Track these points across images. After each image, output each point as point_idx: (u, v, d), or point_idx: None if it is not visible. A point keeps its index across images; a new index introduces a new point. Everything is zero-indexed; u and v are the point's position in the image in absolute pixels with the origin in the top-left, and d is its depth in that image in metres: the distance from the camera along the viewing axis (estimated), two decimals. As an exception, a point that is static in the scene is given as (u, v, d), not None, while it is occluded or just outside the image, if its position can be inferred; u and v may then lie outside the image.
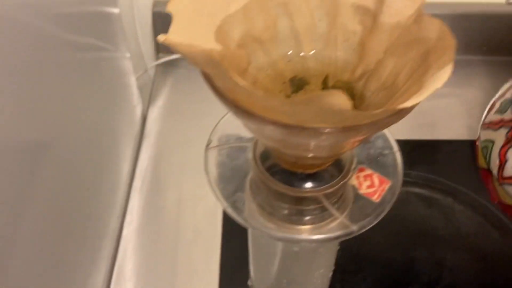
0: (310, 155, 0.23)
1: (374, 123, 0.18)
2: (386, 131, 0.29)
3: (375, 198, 0.25)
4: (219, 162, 0.29)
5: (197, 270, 0.49)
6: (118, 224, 0.53)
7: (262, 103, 0.17)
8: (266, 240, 0.31)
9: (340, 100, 0.15)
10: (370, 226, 0.24)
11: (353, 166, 0.27)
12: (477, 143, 0.32)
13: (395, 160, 0.28)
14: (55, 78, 0.36)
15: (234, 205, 0.26)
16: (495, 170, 0.29)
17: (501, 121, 0.29)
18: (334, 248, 0.33)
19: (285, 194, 0.26)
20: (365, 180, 0.26)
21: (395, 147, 0.29)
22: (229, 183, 0.28)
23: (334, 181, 0.26)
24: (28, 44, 0.32)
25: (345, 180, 0.26)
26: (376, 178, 0.26)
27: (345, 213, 0.26)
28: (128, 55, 0.58)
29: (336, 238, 0.24)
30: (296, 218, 0.28)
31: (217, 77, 0.19)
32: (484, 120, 0.29)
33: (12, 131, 0.29)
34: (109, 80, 0.52)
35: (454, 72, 0.18)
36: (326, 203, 0.25)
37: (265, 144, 0.25)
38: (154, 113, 0.66)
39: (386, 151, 0.28)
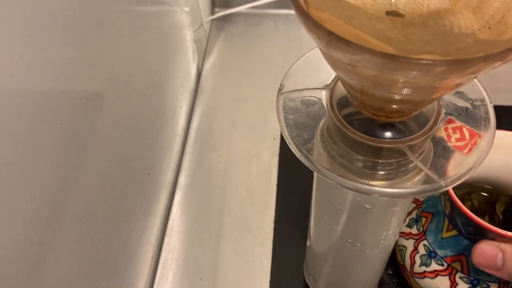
0: (399, 97, 0.20)
1: (491, 57, 0.15)
2: (477, 82, 0.26)
3: (466, 151, 0.22)
4: (292, 108, 0.27)
5: (250, 228, 0.49)
6: (173, 177, 0.52)
7: (367, 26, 0.15)
8: (333, 195, 0.29)
9: (465, 20, 0.13)
10: (460, 182, 0.22)
11: (442, 116, 0.24)
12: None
13: (487, 113, 0.25)
14: (115, 29, 0.35)
15: (308, 154, 0.24)
16: (408, 267, 0.40)
17: (410, 233, 0.41)
18: (407, 208, 0.31)
19: (363, 145, 0.24)
20: (454, 132, 0.23)
21: (488, 99, 0.26)
22: (303, 131, 0.26)
23: (420, 132, 0.23)
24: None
25: (433, 130, 0.23)
26: (466, 131, 0.23)
27: (428, 166, 0.24)
28: (186, 9, 0.56)
29: (422, 192, 0.22)
30: (371, 172, 0.25)
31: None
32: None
33: (73, 82, 0.29)
34: (167, 34, 0.50)
35: None
36: (410, 155, 0.23)
37: (347, 87, 0.23)
38: (208, 69, 0.65)
39: (478, 103, 0.25)
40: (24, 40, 0.24)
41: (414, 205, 0.42)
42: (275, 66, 0.62)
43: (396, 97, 0.20)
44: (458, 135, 0.23)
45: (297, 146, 0.25)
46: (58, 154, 0.27)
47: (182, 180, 0.53)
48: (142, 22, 0.41)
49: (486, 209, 0.43)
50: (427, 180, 0.24)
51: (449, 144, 0.23)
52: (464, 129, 0.23)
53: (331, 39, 0.17)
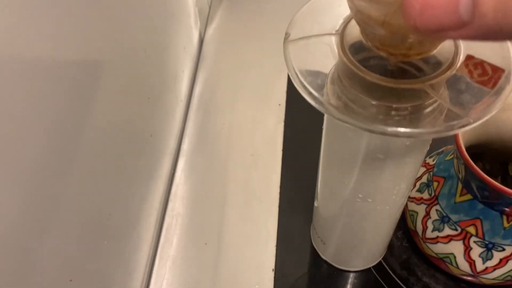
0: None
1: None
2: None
3: (490, 86, 0.21)
4: (299, 56, 0.25)
5: (256, 193, 0.48)
6: (176, 143, 0.51)
7: None
8: (345, 146, 0.28)
9: None
10: (487, 117, 0.20)
11: (460, 52, 0.23)
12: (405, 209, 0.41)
13: (507, 48, 0.23)
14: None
15: (320, 102, 0.23)
16: (420, 232, 0.39)
17: (421, 198, 0.39)
18: (421, 160, 0.29)
19: (378, 89, 0.23)
20: (475, 68, 0.22)
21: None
22: (314, 78, 0.24)
23: (441, 69, 0.22)
24: None
25: (455, 66, 0.22)
26: (487, 66, 0.22)
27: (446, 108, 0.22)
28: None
29: (448, 130, 0.20)
30: (386, 118, 0.24)
31: None
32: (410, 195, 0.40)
33: (72, 50, 0.28)
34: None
35: None
36: (433, 93, 0.21)
37: (365, 24, 0.21)
38: (211, 35, 0.63)
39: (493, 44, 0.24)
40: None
41: (424, 169, 0.41)
42: (280, 30, 0.60)
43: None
44: (480, 71, 0.22)
45: (309, 94, 0.23)
46: (59, 110, 0.26)
47: (185, 146, 0.52)
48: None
49: (498, 171, 0.42)
50: (458, 116, 0.22)
51: (472, 80, 0.22)
52: (485, 64, 0.22)
53: None
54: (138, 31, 0.39)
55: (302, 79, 0.23)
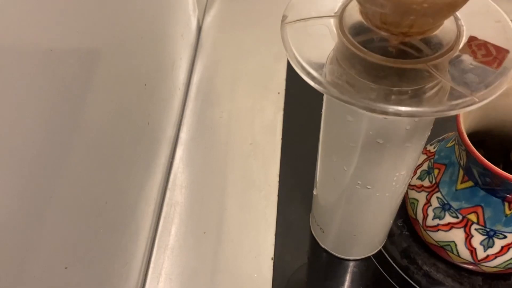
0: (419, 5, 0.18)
1: None
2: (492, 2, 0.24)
3: (495, 66, 0.20)
4: (297, 38, 0.24)
5: (255, 182, 0.47)
6: (174, 132, 0.51)
7: None
8: (344, 131, 0.28)
9: None
10: (492, 97, 0.20)
11: (463, 34, 0.22)
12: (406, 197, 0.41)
13: (509, 30, 0.23)
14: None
15: (319, 81, 0.22)
16: (420, 220, 0.39)
17: (422, 186, 0.39)
18: (422, 145, 0.29)
19: (379, 70, 0.22)
20: (478, 49, 0.21)
21: (506, 17, 0.23)
22: (313, 60, 0.24)
23: (443, 50, 0.21)
24: None
25: (458, 46, 0.21)
26: (491, 47, 0.21)
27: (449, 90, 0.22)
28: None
29: (453, 108, 0.20)
30: (386, 101, 0.23)
31: None
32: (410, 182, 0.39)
33: (67, 37, 0.27)
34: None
35: None
36: (436, 74, 0.21)
37: (367, 2, 0.21)
38: (209, 23, 0.62)
39: (497, 22, 0.23)
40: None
41: (425, 156, 0.40)
42: (279, 18, 0.60)
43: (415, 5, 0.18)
44: (483, 51, 0.21)
45: (308, 74, 0.22)
46: (54, 98, 0.26)
47: (183, 135, 0.51)
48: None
49: (499, 157, 0.41)
50: (462, 95, 0.22)
51: (476, 61, 0.21)
52: (488, 45, 0.21)
53: None
54: (134, 17, 0.38)
55: (300, 60, 0.23)
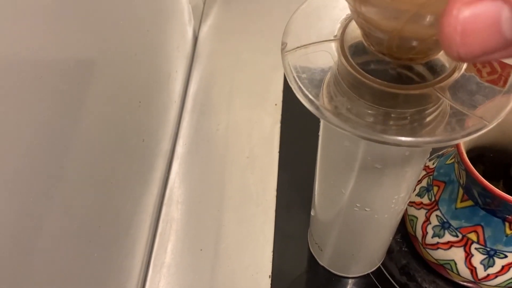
0: (417, 27, 0.18)
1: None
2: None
3: (501, 84, 0.20)
4: (300, 66, 0.24)
5: (252, 197, 0.47)
6: (170, 145, 0.50)
7: None
8: (342, 155, 0.27)
9: None
10: (502, 117, 0.19)
11: None
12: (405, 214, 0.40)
13: None
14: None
15: (325, 115, 0.22)
16: (419, 238, 0.38)
17: (421, 203, 0.38)
18: (420, 169, 0.28)
19: (382, 94, 0.22)
20: (483, 66, 0.21)
21: None
22: (319, 88, 0.23)
23: (449, 70, 0.21)
24: None
25: (462, 67, 0.20)
26: (496, 63, 0.21)
27: (447, 117, 0.21)
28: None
29: (466, 135, 0.19)
30: (384, 127, 0.23)
31: None
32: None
33: (62, 44, 0.27)
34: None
35: None
36: (443, 96, 0.20)
37: (373, 31, 0.20)
38: (206, 33, 0.62)
39: None
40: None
41: (424, 172, 0.40)
42: (276, 28, 0.59)
43: (434, 30, 0.18)
44: (488, 69, 0.21)
45: (317, 109, 0.22)
46: (46, 117, 0.25)
47: (179, 148, 0.51)
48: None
49: (499, 173, 0.41)
50: (452, 128, 0.21)
51: (482, 80, 0.20)
52: (493, 61, 0.21)
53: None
54: (128, 32, 0.38)
55: (307, 92, 0.22)
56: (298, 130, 0.52)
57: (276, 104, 0.54)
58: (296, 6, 0.25)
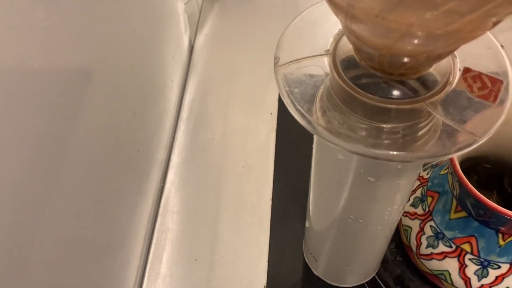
0: (428, 48, 0.18)
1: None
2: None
3: (492, 99, 0.20)
4: (295, 81, 0.24)
5: (247, 206, 0.47)
6: (165, 155, 0.50)
7: None
8: (335, 168, 0.27)
9: None
10: (492, 132, 0.19)
11: (457, 66, 0.22)
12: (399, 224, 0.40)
13: (501, 57, 0.23)
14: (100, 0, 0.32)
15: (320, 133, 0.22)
16: (414, 248, 0.38)
17: (415, 213, 0.38)
18: (414, 181, 0.28)
19: (373, 109, 0.22)
20: (474, 81, 0.21)
21: (497, 43, 0.23)
22: (311, 103, 0.23)
23: (440, 86, 0.21)
24: None
25: (454, 80, 0.21)
26: (485, 78, 0.21)
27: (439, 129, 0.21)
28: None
29: (456, 151, 0.20)
30: (376, 141, 0.23)
31: None
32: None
33: (58, 57, 0.27)
34: (157, 5, 0.47)
35: None
36: (434, 112, 0.20)
37: (364, 47, 0.20)
38: (201, 42, 0.62)
39: (488, 48, 0.23)
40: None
41: (418, 182, 0.40)
42: (271, 37, 0.59)
43: (424, 48, 0.18)
44: (479, 84, 0.21)
45: (310, 124, 0.22)
46: (40, 129, 0.25)
47: (175, 157, 0.51)
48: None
49: (493, 183, 0.41)
50: (443, 143, 0.22)
51: (472, 95, 0.21)
52: (483, 76, 0.21)
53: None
54: (124, 43, 0.38)
55: (299, 107, 0.22)
56: (293, 139, 0.52)
57: (271, 113, 0.54)
58: (292, 16, 0.25)
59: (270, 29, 0.62)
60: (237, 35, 0.63)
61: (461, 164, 0.33)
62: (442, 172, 0.38)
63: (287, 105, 0.23)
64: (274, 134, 0.52)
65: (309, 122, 0.22)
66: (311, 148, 0.30)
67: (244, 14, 0.65)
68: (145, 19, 0.43)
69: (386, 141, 0.23)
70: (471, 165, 0.40)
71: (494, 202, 0.36)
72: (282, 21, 0.24)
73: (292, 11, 0.63)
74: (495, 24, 0.17)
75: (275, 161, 0.50)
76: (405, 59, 0.20)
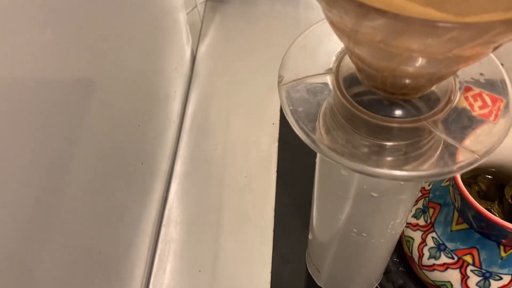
0: (430, 71, 0.19)
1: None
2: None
3: (492, 118, 0.21)
4: (298, 99, 0.24)
5: (250, 217, 0.47)
6: (169, 166, 0.50)
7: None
8: (338, 184, 0.28)
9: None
10: (493, 151, 0.20)
11: (458, 85, 0.22)
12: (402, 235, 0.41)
13: (500, 75, 0.23)
14: (102, 11, 0.32)
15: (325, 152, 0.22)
16: (416, 259, 0.38)
17: (417, 225, 0.38)
18: (416, 195, 0.29)
19: (375, 128, 0.22)
20: (475, 100, 0.21)
21: (497, 61, 0.24)
22: (313, 120, 0.24)
23: (441, 105, 0.21)
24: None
25: (455, 99, 0.21)
26: (486, 97, 0.22)
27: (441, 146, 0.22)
28: (178, -12, 0.54)
29: (457, 170, 0.20)
30: (378, 158, 0.23)
31: None
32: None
33: (60, 68, 0.27)
34: (159, 16, 0.48)
35: None
36: (435, 131, 0.21)
37: (366, 69, 0.21)
38: (204, 52, 0.63)
39: (488, 68, 0.23)
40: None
41: (420, 193, 0.40)
42: (273, 47, 0.60)
43: (427, 71, 0.18)
44: (480, 103, 0.21)
45: (314, 142, 0.23)
46: (45, 145, 0.26)
47: (178, 168, 0.51)
48: (132, 4, 0.39)
49: (494, 193, 0.41)
50: (445, 162, 0.22)
51: (474, 114, 0.21)
52: (484, 95, 0.22)
53: (367, 12, 0.14)
54: (127, 56, 0.38)
55: (304, 126, 0.23)
56: (295, 149, 0.52)
57: (273, 123, 0.54)
58: (294, 26, 0.26)
59: (271, 39, 0.62)
60: (239, 46, 0.63)
61: (462, 174, 0.34)
62: (443, 184, 0.38)
63: (291, 124, 0.23)
64: (276, 144, 0.53)
65: (314, 141, 0.22)
66: (314, 158, 0.31)
67: (246, 24, 0.66)
68: (149, 31, 0.44)
69: (388, 158, 0.23)
70: (472, 175, 0.41)
71: (495, 213, 0.37)
72: (284, 31, 0.24)
73: (293, 20, 0.63)
74: (496, 48, 0.17)
75: (277, 171, 0.50)
76: (407, 81, 0.20)
